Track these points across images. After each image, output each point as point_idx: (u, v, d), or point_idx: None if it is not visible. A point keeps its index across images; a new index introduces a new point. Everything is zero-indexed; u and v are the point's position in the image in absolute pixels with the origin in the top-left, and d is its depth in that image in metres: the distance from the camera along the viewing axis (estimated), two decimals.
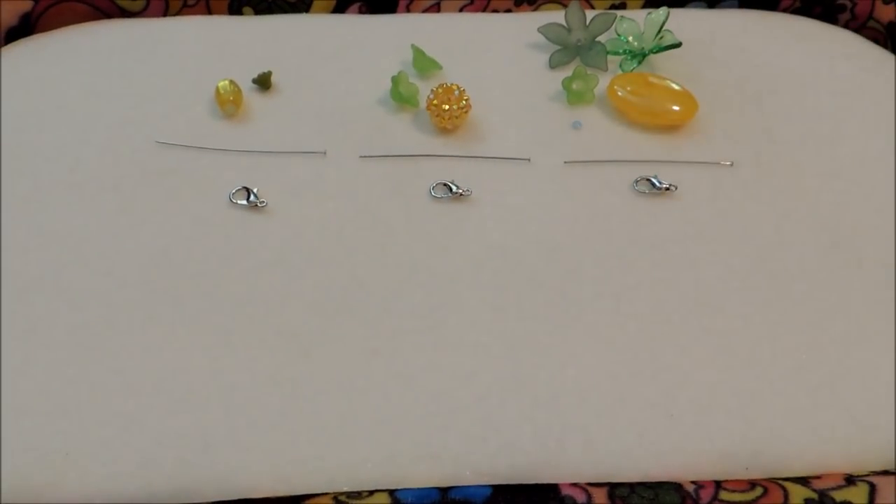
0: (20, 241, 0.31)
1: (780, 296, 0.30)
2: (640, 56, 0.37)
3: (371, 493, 0.26)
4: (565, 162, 0.34)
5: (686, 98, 0.35)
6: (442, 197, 0.32)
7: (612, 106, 0.35)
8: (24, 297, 0.29)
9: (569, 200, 0.33)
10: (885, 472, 0.26)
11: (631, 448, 0.26)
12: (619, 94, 0.35)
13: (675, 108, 0.34)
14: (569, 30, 0.37)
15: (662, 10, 0.37)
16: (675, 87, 0.35)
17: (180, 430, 0.26)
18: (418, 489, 0.26)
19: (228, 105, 0.34)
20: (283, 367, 0.28)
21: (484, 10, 0.41)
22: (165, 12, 0.40)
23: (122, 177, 0.33)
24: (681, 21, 0.37)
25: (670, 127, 0.35)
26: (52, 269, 0.30)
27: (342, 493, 0.26)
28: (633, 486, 0.25)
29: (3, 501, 0.25)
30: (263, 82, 0.36)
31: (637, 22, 0.37)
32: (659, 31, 0.37)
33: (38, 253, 0.30)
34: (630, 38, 0.37)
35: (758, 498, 0.25)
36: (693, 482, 0.26)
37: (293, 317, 0.29)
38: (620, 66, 0.37)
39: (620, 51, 0.37)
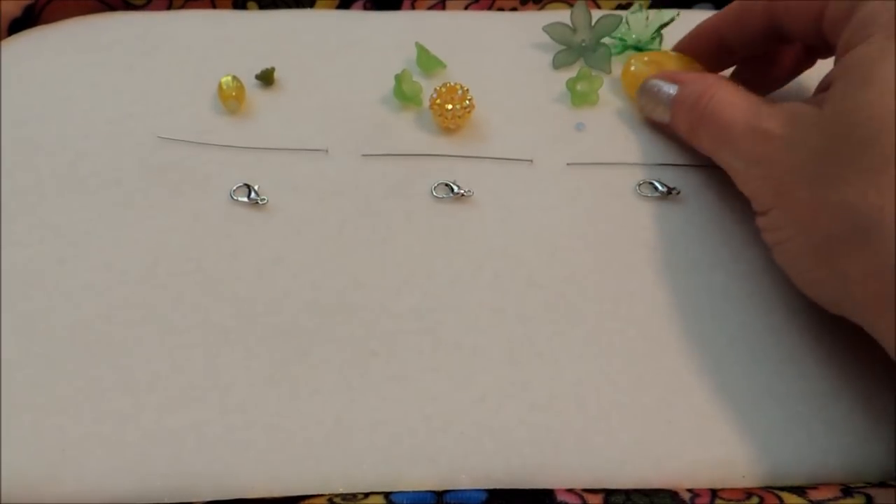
0: (19, 234, 0.31)
1: (781, 302, 0.30)
2: (632, 48, 0.38)
3: (366, 495, 0.25)
4: (568, 164, 0.33)
5: (697, 66, 0.35)
6: (443, 197, 0.32)
7: (623, 85, 0.36)
8: (22, 292, 0.29)
9: (571, 202, 0.32)
10: (883, 485, 0.26)
11: (627, 455, 0.26)
12: (632, 69, 0.35)
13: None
14: (574, 30, 0.37)
15: (636, 6, 0.37)
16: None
17: (176, 428, 0.26)
18: (413, 492, 0.25)
19: (231, 101, 0.34)
20: (280, 367, 0.28)
21: (489, 8, 0.41)
22: (170, 6, 0.40)
23: (123, 171, 0.32)
24: (689, 22, 0.37)
25: None
26: (51, 264, 0.30)
27: (337, 495, 0.26)
28: (628, 493, 0.25)
29: (2, 501, 0.25)
30: (266, 78, 0.36)
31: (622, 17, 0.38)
32: (647, 24, 0.37)
33: (37, 247, 0.30)
34: (622, 37, 0.38)
35: None
36: (689, 490, 0.26)
37: (291, 316, 0.29)
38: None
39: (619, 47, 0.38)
